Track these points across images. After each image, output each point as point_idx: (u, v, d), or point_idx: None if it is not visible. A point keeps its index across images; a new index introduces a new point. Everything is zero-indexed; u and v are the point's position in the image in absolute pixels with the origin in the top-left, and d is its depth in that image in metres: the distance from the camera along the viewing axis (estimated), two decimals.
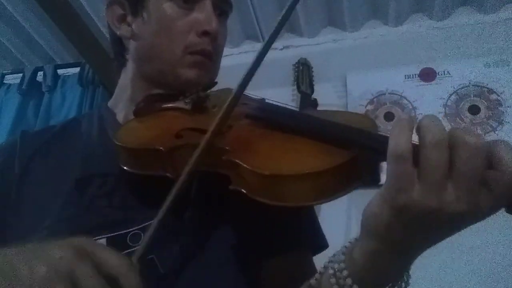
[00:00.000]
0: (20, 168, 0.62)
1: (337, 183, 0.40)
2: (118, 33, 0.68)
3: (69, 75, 2.24)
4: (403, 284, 0.43)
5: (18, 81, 2.26)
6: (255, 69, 0.47)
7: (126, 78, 0.70)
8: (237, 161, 0.44)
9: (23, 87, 2.21)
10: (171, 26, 0.62)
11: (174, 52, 0.62)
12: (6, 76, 2.36)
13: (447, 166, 0.33)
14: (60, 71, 2.26)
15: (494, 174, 0.33)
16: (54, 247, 0.36)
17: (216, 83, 0.68)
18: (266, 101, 0.62)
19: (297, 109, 0.57)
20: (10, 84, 2.33)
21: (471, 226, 0.37)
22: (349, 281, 0.41)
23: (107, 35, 2.27)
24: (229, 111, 0.47)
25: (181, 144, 0.49)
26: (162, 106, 0.63)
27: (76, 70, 2.19)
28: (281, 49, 2.08)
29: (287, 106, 0.56)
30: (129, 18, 0.67)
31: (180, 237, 0.54)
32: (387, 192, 0.35)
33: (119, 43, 0.70)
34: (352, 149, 0.41)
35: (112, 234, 0.53)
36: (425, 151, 0.33)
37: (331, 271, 0.43)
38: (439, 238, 0.38)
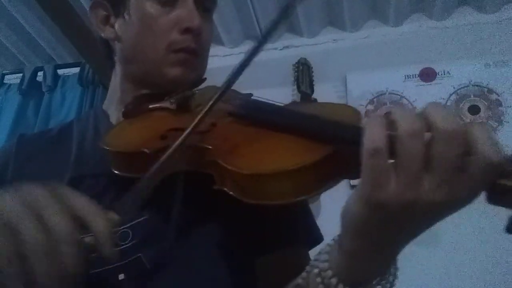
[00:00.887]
0: (14, 173, 0.62)
1: (318, 178, 0.40)
2: (102, 35, 0.67)
3: (69, 75, 2.24)
4: (390, 277, 0.42)
5: (18, 81, 2.26)
6: (240, 72, 0.47)
7: (115, 80, 0.70)
8: (218, 161, 0.44)
9: (23, 87, 2.21)
10: (152, 24, 0.62)
11: (157, 51, 0.62)
12: (6, 76, 2.37)
13: (424, 156, 0.32)
14: (60, 71, 2.26)
15: (470, 159, 0.32)
16: (26, 186, 0.37)
17: (204, 79, 0.67)
18: (253, 97, 0.62)
19: (283, 104, 0.56)
20: (10, 84, 2.33)
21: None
22: (334, 280, 0.41)
23: None
24: (204, 116, 0.47)
25: (166, 145, 0.49)
26: (149, 107, 0.62)
27: (76, 70, 2.19)
28: (281, 49, 2.09)
29: (275, 103, 0.56)
30: (112, 19, 0.66)
31: (168, 235, 0.54)
32: (363, 189, 0.34)
33: (106, 45, 0.70)
34: (332, 143, 0.41)
35: None
36: (401, 143, 0.32)
37: (316, 270, 0.42)
38: (420, 230, 0.37)
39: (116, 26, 0.66)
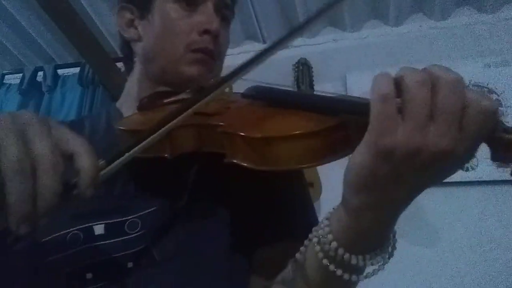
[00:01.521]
0: None
1: (326, 146, 0.42)
2: (126, 36, 0.71)
3: (69, 75, 2.24)
4: (389, 248, 0.42)
5: (18, 81, 2.27)
6: (251, 63, 0.48)
7: (133, 79, 0.73)
8: (230, 131, 0.45)
9: (23, 87, 2.22)
10: (173, 26, 0.65)
11: (176, 50, 0.65)
12: (6, 76, 2.37)
13: (430, 104, 0.34)
14: (60, 71, 2.26)
15: (468, 110, 0.34)
16: (22, 111, 0.37)
17: None
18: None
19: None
20: (10, 84, 2.34)
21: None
22: (334, 244, 0.40)
23: (107, 35, 2.27)
24: (208, 96, 0.47)
25: (180, 124, 0.50)
26: (164, 101, 0.64)
27: (76, 70, 2.19)
28: (281, 49, 2.08)
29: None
30: (136, 22, 0.70)
31: (176, 226, 0.55)
32: (370, 137, 0.35)
33: (128, 47, 0.73)
34: (341, 116, 0.42)
35: (110, 221, 0.54)
36: (408, 92, 0.34)
37: (315, 240, 0.43)
38: (424, 185, 0.38)
39: (139, 28, 0.69)
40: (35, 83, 2.25)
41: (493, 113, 0.34)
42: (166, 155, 0.50)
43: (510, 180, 1.53)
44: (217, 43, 0.66)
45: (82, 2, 1.94)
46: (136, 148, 0.40)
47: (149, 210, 0.55)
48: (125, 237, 0.53)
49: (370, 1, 1.95)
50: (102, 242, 0.53)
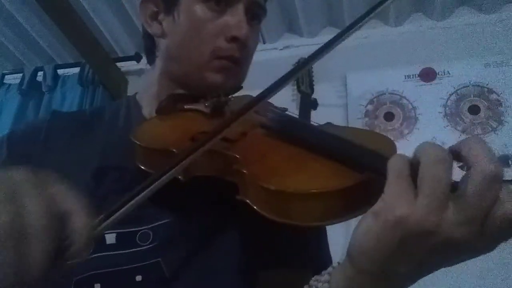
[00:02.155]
0: (42, 148, 0.62)
1: (344, 205, 0.39)
2: (149, 30, 0.68)
3: (69, 75, 2.24)
4: None
5: (18, 81, 2.26)
6: (283, 81, 0.46)
7: (153, 74, 0.71)
8: (245, 172, 0.44)
9: (23, 87, 2.22)
10: (200, 28, 0.62)
11: (201, 54, 0.62)
12: (6, 76, 2.37)
13: (448, 184, 0.32)
14: (60, 71, 2.26)
15: (494, 210, 0.31)
16: (14, 169, 0.35)
17: (241, 88, 0.68)
18: (287, 112, 0.61)
19: (317, 124, 0.56)
20: (10, 84, 2.33)
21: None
22: None
23: (107, 35, 2.26)
24: (238, 118, 0.46)
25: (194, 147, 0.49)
26: (183, 107, 0.63)
27: (76, 70, 2.19)
28: (281, 49, 2.09)
29: (313, 123, 0.55)
30: (161, 16, 0.67)
31: (187, 241, 0.54)
32: (382, 204, 0.34)
33: (150, 40, 0.71)
34: (363, 172, 0.40)
35: (122, 230, 0.52)
36: (425, 167, 0.32)
37: None
38: (429, 269, 0.36)
39: (164, 23, 0.66)
40: (35, 83, 2.24)
41: None
42: (179, 177, 0.49)
43: (510, 180, 1.53)
44: (245, 50, 0.64)
45: (82, 2, 1.94)
46: (138, 198, 0.38)
47: (162, 222, 0.54)
48: (136, 249, 0.52)
49: (370, 1, 1.95)
50: (112, 252, 0.51)
